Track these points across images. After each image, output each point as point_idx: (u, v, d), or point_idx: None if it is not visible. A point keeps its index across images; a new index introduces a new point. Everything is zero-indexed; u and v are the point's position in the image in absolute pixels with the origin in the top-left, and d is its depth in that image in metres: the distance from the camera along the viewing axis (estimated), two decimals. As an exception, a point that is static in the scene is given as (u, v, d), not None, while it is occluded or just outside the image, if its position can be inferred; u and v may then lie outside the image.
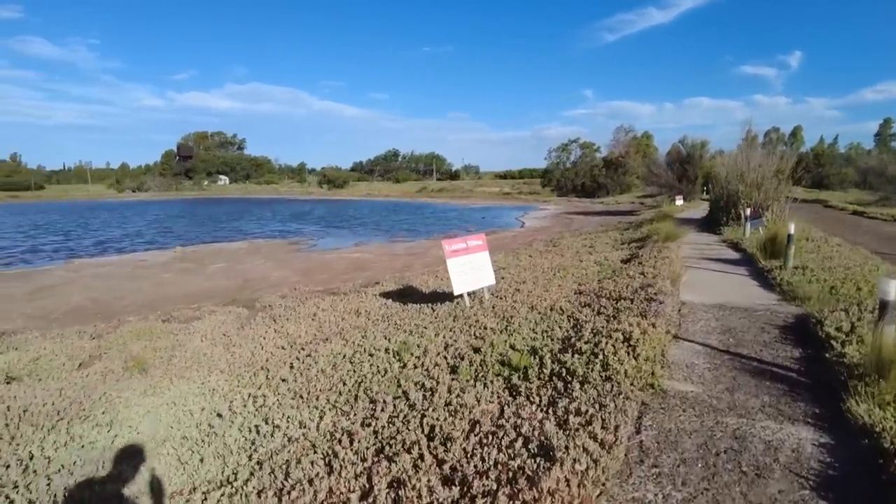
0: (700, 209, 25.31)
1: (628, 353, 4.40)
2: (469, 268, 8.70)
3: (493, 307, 8.13)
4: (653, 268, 8.87)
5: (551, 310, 7.40)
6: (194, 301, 11.93)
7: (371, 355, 6.05)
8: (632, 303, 6.64)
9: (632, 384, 3.96)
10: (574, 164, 64.15)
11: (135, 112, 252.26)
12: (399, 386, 4.86)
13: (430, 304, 8.78)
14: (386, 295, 10.43)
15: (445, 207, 53.93)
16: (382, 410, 4.20)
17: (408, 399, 4.40)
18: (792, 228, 8.54)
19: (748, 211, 13.09)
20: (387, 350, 6.14)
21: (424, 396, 4.37)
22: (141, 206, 66.76)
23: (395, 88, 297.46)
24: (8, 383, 6.67)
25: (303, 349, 6.98)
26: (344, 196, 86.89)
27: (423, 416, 3.94)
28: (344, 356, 6.20)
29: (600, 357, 4.41)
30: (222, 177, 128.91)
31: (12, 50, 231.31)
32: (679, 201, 29.53)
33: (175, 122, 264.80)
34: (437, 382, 4.76)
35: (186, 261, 18.68)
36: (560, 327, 6.34)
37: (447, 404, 4.12)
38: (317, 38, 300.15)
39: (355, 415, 4.23)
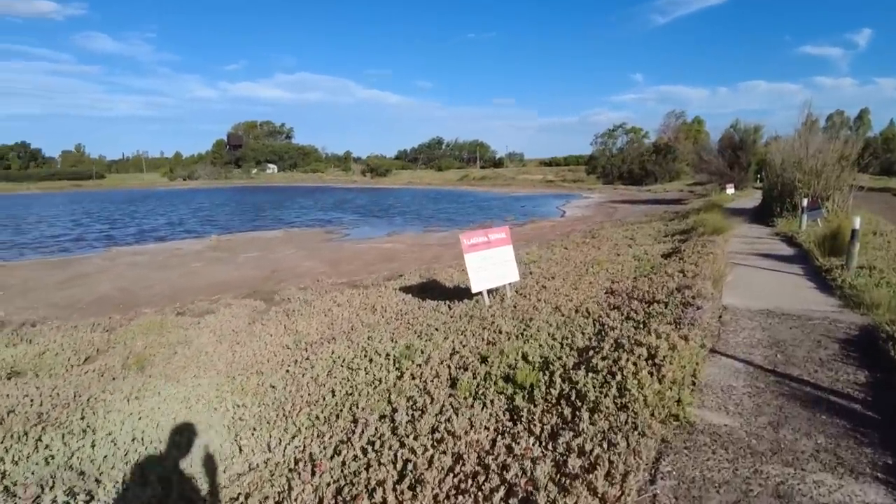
0: (752, 198, 23.70)
1: (651, 374, 3.72)
2: (489, 263, 8.09)
3: (515, 306, 7.52)
4: (694, 265, 8.02)
5: (576, 312, 6.72)
6: (217, 292, 11.77)
7: (371, 361, 5.55)
8: (666, 307, 5.89)
9: (652, 414, 3.29)
10: (620, 151, 61.80)
11: (189, 102, 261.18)
12: (389, 402, 4.33)
13: (448, 301, 8.24)
14: (407, 289, 9.95)
15: (486, 196, 53.05)
16: (361, 433, 3.68)
17: (393, 420, 3.86)
18: (857, 222, 7.49)
19: (805, 201, 11.89)
20: (387, 356, 5.63)
21: (411, 418, 3.83)
22: (189, 194, 68.68)
23: (439, 76, 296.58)
24: (10, 378, 6.54)
25: (305, 350, 6.56)
26: (386, 184, 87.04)
27: (403, 444, 3.40)
28: (343, 361, 5.72)
29: (618, 378, 3.75)
30: (271, 165, 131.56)
31: (78, 46, 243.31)
32: (730, 190, 27.78)
33: (226, 112, 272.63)
34: (431, 399, 4.21)
35: (220, 250, 18.74)
36: (583, 333, 5.68)
37: (433, 430, 3.56)
38: (362, 27, 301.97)
39: (330, 438, 3.73)
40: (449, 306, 7.99)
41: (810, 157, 13.98)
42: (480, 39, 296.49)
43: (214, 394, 5.13)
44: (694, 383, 3.90)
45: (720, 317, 5.70)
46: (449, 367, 5.06)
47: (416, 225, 25.74)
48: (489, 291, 8.30)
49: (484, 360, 5.08)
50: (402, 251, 17.43)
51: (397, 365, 5.29)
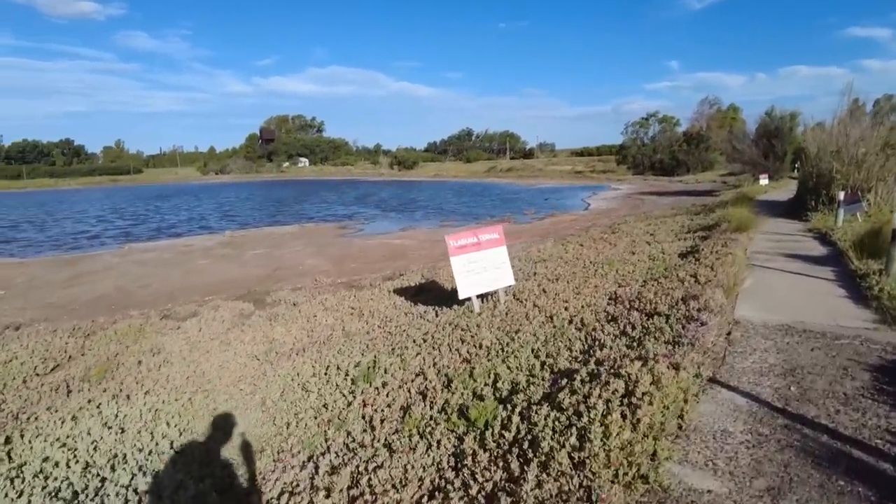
0: (787, 190, 22.24)
1: (625, 417, 3.03)
2: (480, 266, 7.43)
3: (507, 313, 6.86)
4: (709, 268, 7.18)
5: (569, 323, 6.02)
6: (213, 291, 11.42)
7: (328, 381, 4.98)
8: (667, 321, 5.14)
9: (614, 477, 2.61)
10: (652, 140, 59.65)
11: (222, 98, 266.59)
12: (326, 438, 3.74)
13: (440, 306, 7.63)
14: (402, 291, 9.39)
15: (511, 188, 52.03)
16: (275, 483, 3.10)
17: (316, 466, 3.27)
18: (900, 219, 6.52)
19: (842, 194, 10.78)
20: (347, 375, 5.05)
21: (334, 468, 3.23)
22: (219, 188, 69.56)
23: (469, 67, 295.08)
24: (-35, 389, 6.22)
25: (271, 363, 6.04)
26: (413, 177, 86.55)
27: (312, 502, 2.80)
28: (301, 379, 5.17)
29: (584, 419, 3.07)
30: (302, 159, 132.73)
31: (118, 45, 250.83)
32: (764, 180, 26.21)
33: (259, 107, 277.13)
34: (373, 438, 3.61)
35: (230, 246, 18.52)
36: (570, 351, 5.01)
37: (352, 485, 2.95)
38: (392, 19, 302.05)
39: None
40: (437, 312, 7.38)
41: (851, 146, 12.77)
42: (511, 29, 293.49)
43: (150, 418, 4.63)
44: (680, 427, 3.19)
45: (729, 333, 4.92)
46: (408, 391, 4.44)
47: (433, 220, 25.14)
48: (481, 296, 7.65)
49: (448, 384, 4.44)
50: (411, 248, 16.86)
51: (352, 388, 4.71)
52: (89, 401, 5.27)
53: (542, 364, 4.73)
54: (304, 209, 33.66)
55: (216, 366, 6.26)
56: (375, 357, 5.54)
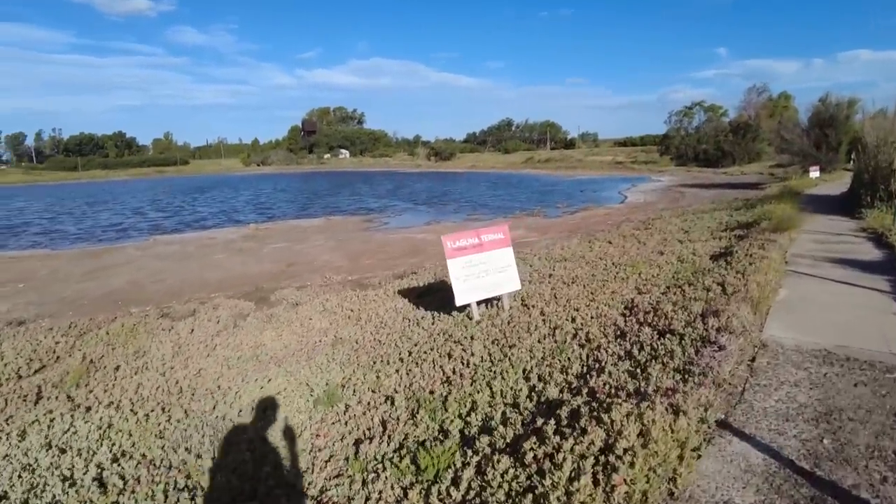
0: (840, 184, 20.56)
1: (596, 483, 2.39)
2: (481, 270, 6.81)
3: (509, 322, 6.26)
4: (740, 275, 6.35)
5: (573, 337, 5.37)
6: (220, 288, 11.18)
7: (288, 404, 4.48)
8: (680, 341, 4.42)
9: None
10: (697, 130, 56.92)
11: (267, 90, 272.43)
12: (260, 480, 3.22)
13: (440, 312, 7.07)
14: (408, 292, 8.88)
15: (548, 180, 50.77)
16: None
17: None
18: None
19: (904, 189, 9.60)
20: (311, 396, 4.54)
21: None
22: (258, 179, 70.68)
23: (510, 56, 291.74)
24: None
25: (243, 376, 5.59)
26: (450, 168, 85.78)
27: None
28: (263, 400, 4.68)
29: (546, 482, 2.45)
30: (343, 150, 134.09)
31: (168, 40, 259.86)
32: (814, 173, 24.37)
33: (302, 99, 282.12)
34: (308, 483, 3.08)
35: (252, 239, 18.39)
36: (565, 373, 4.39)
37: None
38: (433, 9, 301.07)
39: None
40: (434, 319, 6.82)
41: (914, 135, 11.47)
42: (554, 17, 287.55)
43: (97, 437, 4.24)
44: (672, 494, 2.52)
45: (752, 360, 4.15)
46: (370, 420, 3.89)
47: (462, 213, 24.49)
48: (485, 302, 7.04)
49: (414, 413, 3.87)
50: (432, 243, 16.29)
51: (312, 413, 4.19)
52: (47, 412, 4.94)
53: (531, 390, 4.11)
54: (336, 201, 33.54)
55: (192, 373, 5.88)
56: (352, 373, 5.01)
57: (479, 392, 4.12)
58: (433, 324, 6.65)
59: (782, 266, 7.04)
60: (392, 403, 4.10)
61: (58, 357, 7.21)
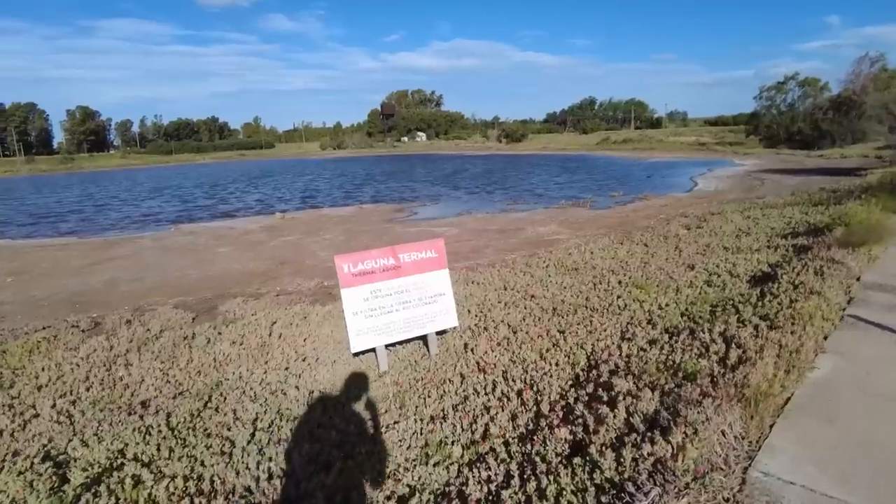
0: (969, 170, 16.57)
1: None
2: (396, 301, 5.12)
3: (421, 381, 4.59)
4: (765, 325, 4.22)
5: (470, 424, 3.58)
6: (187, 291, 10.16)
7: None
8: (590, 473, 2.53)
9: None
10: (790, 107, 50.33)
11: (352, 74, 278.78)
12: None
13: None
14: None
15: (619, 162, 47.01)
16: None
17: None
18: None
19: None
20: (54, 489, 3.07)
21: None
22: (328, 163, 71.30)
23: (595, 33, 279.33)
24: None
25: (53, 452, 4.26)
26: (520, 150, 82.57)
27: None
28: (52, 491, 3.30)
29: None
30: (420, 133, 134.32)
31: (260, 27, 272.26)
32: (934, 157, 20.12)
33: (386, 82, 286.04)
34: None
35: (268, 231, 17.50)
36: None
37: None
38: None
39: None
40: (332, 366, 5.21)
41: None
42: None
43: None
44: None
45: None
46: None
47: (502, 202, 22.47)
48: (405, 343, 5.36)
49: None
50: (451, 237, 14.59)
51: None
52: None
53: None
54: (384, 188, 32.41)
55: (27, 419, 4.66)
56: (131, 449, 3.52)
57: None
58: (332, 370, 5.04)
59: (838, 309, 4.74)
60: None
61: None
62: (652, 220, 15.17)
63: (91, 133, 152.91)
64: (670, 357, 4.12)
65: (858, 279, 5.78)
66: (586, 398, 3.61)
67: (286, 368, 5.50)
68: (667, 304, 6.02)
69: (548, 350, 5.06)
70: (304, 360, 5.69)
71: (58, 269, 13.13)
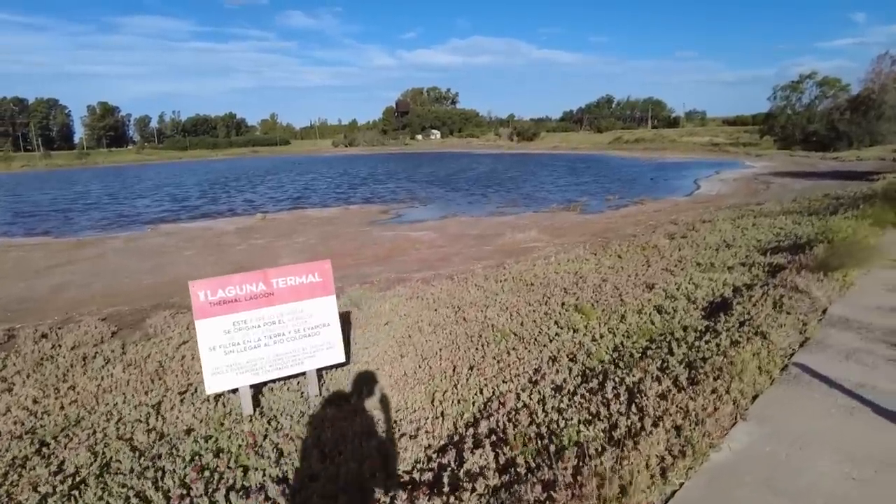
0: None
1: None
2: (265, 334, 4.41)
3: (281, 433, 3.89)
4: (686, 376, 3.44)
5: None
6: (135, 299, 9.67)
7: None
8: None
9: None
10: (806, 108, 48.47)
11: (368, 71, 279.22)
12: None
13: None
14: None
15: (627, 163, 45.77)
16: None
17: None
18: None
19: None
20: None
21: None
22: (336, 160, 70.87)
23: (614, 30, 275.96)
24: None
25: None
26: (531, 149, 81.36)
27: None
28: None
29: None
30: (434, 131, 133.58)
31: (278, 24, 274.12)
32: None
33: (402, 80, 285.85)
34: None
35: (243, 232, 16.95)
36: None
37: None
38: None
39: None
40: (194, 410, 4.51)
41: None
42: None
43: None
44: None
45: None
46: None
47: (493, 205, 21.67)
48: (282, 380, 4.66)
49: None
50: (425, 243, 13.90)
51: None
52: None
53: None
54: (380, 187, 31.75)
55: None
56: None
57: None
58: (199, 408, 4.36)
59: (783, 356, 3.92)
60: None
61: None
62: (639, 227, 14.28)
63: (110, 128, 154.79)
64: (561, 416, 3.36)
65: (825, 311, 4.93)
66: (430, 478, 2.87)
67: (159, 403, 4.85)
68: (601, 336, 5.24)
69: (444, 392, 4.33)
70: (185, 391, 5.06)
71: (15, 271, 12.68)
